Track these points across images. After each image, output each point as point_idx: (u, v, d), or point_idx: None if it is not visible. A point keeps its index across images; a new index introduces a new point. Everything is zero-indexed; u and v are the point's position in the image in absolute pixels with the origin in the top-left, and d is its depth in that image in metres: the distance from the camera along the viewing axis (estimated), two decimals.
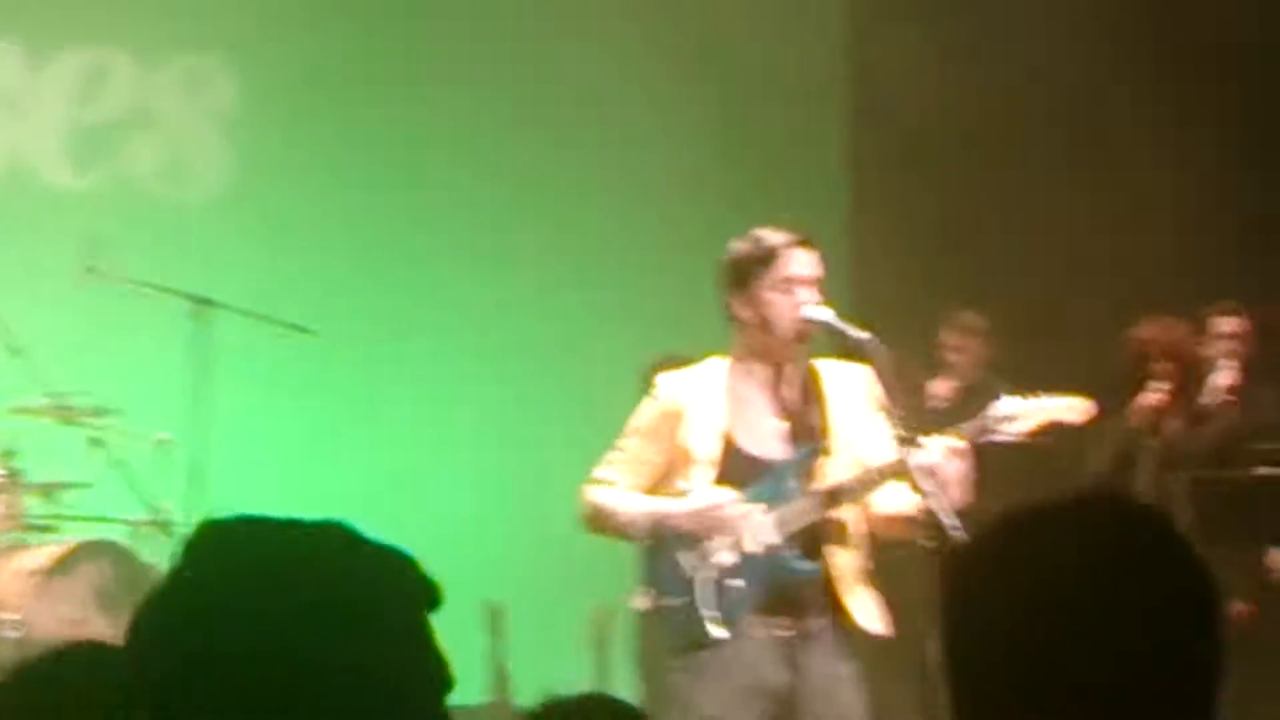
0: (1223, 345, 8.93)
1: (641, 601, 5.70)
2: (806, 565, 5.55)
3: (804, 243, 5.59)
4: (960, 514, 5.33)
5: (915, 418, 7.72)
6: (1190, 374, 8.07)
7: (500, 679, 8.67)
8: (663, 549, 5.57)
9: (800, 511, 5.54)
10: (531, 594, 9.20)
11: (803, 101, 10.88)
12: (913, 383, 9.00)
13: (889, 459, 5.49)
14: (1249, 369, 8.99)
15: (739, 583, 5.52)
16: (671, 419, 5.63)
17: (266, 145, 10.56)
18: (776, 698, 5.51)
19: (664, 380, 5.74)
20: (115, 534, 8.83)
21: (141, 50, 10.55)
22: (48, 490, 8.91)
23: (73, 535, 8.89)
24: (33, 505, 8.82)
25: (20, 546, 8.75)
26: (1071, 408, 5.75)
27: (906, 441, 5.44)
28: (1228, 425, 8.41)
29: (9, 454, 8.72)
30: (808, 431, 5.62)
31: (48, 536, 8.90)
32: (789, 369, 5.64)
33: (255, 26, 10.48)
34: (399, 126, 10.61)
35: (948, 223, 10.36)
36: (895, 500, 5.57)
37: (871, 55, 10.75)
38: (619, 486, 5.65)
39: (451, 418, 10.47)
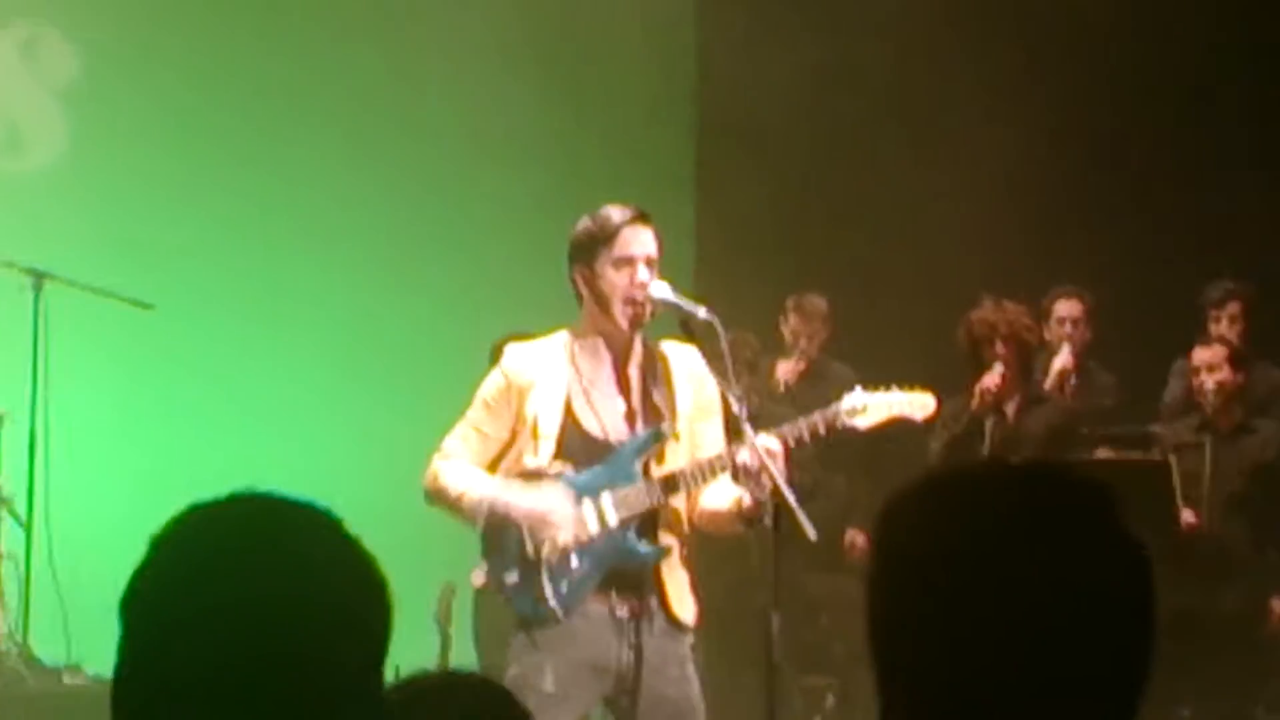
0: (1062, 329, 9.09)
1: (479, 577, 5.74)
2: (649, 549, 5.60)
3: (643, 219, 5.63)
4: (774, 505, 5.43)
5: (755, 397, 7.83)
6: (1028, 357, 8.18)
7: None
8: (504, 526, 5.59)
9: (641, 495, 5.59)
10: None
11: (649, 85, 10.94)
12: (752, 362, 9.10)
13: (721, 451, 5.56)
14: (1087, 352, 9.17)
15: (579, 563, 5.56)
16: (517, 391, 5.64)
17: (104, 116, 10.45)
18: (614, 675, 5.55)
19: (511, 351, 5.75)
20: None
21: None
22: None
23: None
24: None
25: None
26: (917, 404, 5.83)
27: (735, 435, 5.52)
28: (1064, 408, 8.56)
29: None
30: (653, 414, 5.66)
31: None
32: (634, 347, 5.68)
33: None
34: (240, 99, 10.54)
35: (789, 208, 10.47)
36: (716, 493, 5.64)
37: (715, 42, 10.85)
38: (464, 458, 5.65)
39: (292, 395, 10.43)
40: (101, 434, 9.96)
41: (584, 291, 5.63)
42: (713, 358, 5.65)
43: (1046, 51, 10.23)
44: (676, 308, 5.61)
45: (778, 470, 5.39)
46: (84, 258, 9.48)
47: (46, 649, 9.06)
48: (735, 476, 5.53)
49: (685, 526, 5.71)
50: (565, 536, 5.55)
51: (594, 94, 10.80)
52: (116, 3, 10.41)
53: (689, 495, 5.64)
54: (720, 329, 5.59)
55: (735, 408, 5.51)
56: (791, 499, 5.40)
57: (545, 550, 5.54)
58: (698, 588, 5.77)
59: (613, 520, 5.57)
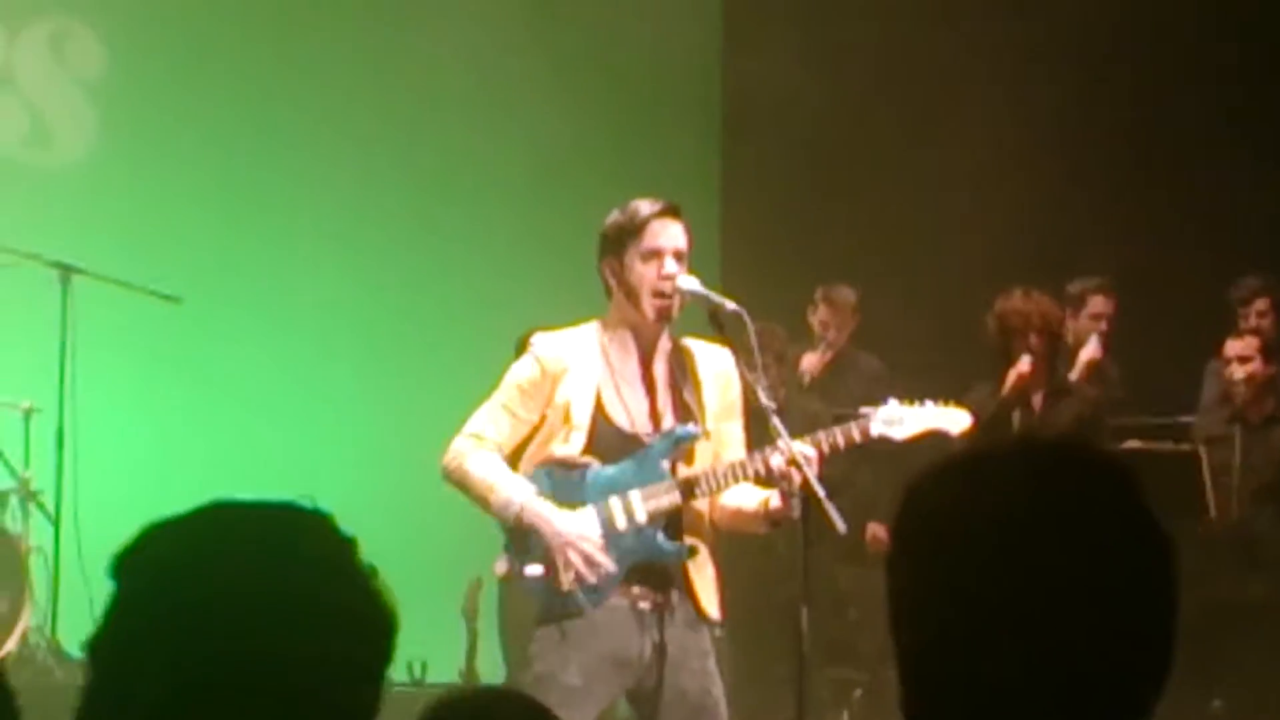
0: (1096, 324, 9.08)
1: (502, 566, 5.71)
2: (674, 547, 5.60)
3: (672, 213, 5.62)
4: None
5: (782, 389, 7.83)
6: (1056, 349, 8.20)
7: None
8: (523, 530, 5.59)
9: (669, 495, 5.58)
10: (405, 566, 9.18)
11: (675, 82, 10.93)
12: (781, 353, 9.09)
13: (753, 455, 5.56)
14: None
15: (605, 557, 5.55)
16: (552, 378, 5.62)
17: (132, 109, 10.48)
18: (636, 668, 5.55)
19: (543, 339, 5.72)
20: None
21: (4, 13, 10.43)
22: None
23: None
24: None
25: None
26: (952, 419, 5.82)
27: (763, 429, 5.52)
28: (1090, 399, 8.56)
29: None
30: (681, 411, 5.65)
31: None
32: (662, 342, 5.67)
33: None
34: (268, 92, 10.56)
35: (814, 202, 10.48)
36: (741, 493, 5.64)
37: (740, 38, 10.88)
38: (492, 440, 5.63)
39: (322, 388, 10.45)
40: (129, 428, 9.99)
41: (613, 284, 5.62)
42: (741, 350, 5.65)
43: (1071, 41, 10.23)
44: (705, 299, 5.60)
45: (811, 474, 5.40)
46: (111, 251, 9.50)
47: (74, 642, 9.08)
48: (768, 481, 5.52)
49: (710, 525, 5.70)
50: (585, 570, 5.52)
51: (619, 91, 10.80)
52: None
53: (712, 495, 5.64)
54: (748, 321, 5.59)
55: (764, 401, 5.50)
56: (822, 493, 5.40)
57: (563, 575, 5.52)
58: (724, 582, 5.77)
59: (641, 517, 5.57)
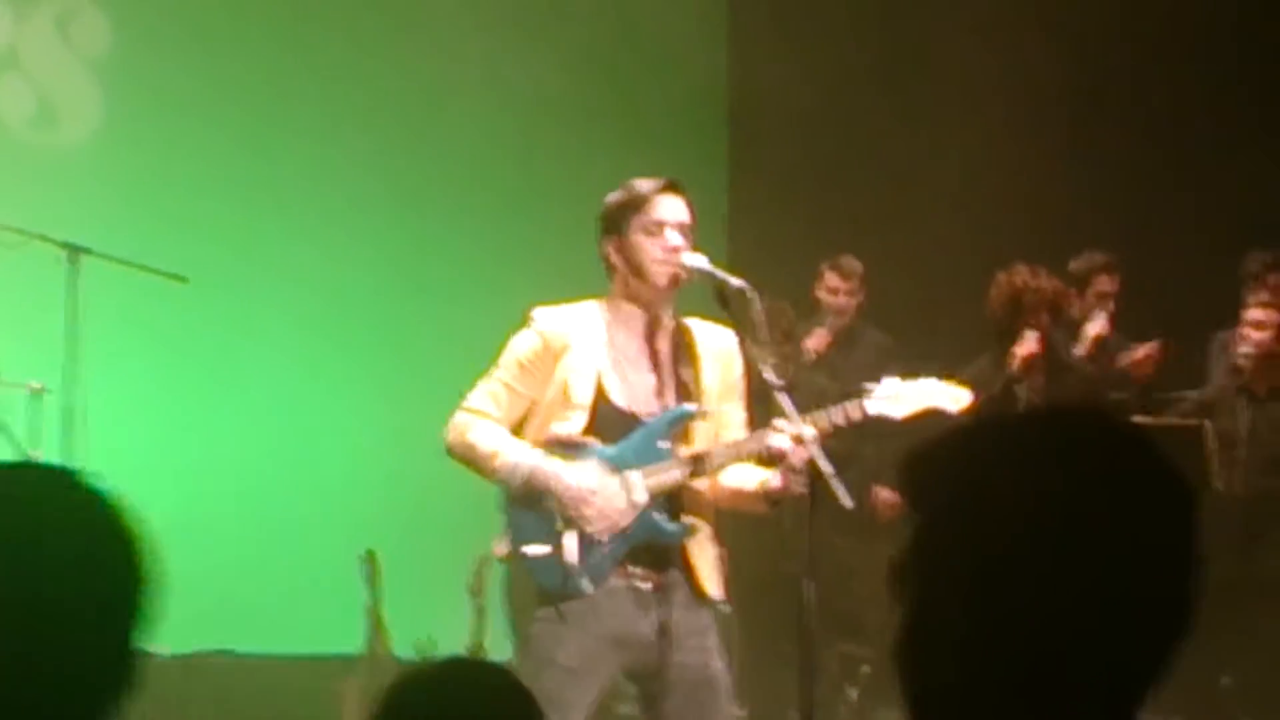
0: (1100, 300, 9.07)
1: (501, 547, 5.70)
2: (674, 526, 5.58)
3: (674, 187, 5.60)
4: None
5: (790, 366, 7.81)
6: (1059, 323, 8.21)
7: (377, 631, 8.67)
8: (536, 497, 5.57)
9: (669, 473, 5.56)
10: (409, 544, 9.21)
11: (684, 61, 10.91)
12: (789, 331, 9.08)
13: (755, 434, 5.54)
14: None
15: (606, 538, 5.53)
16: (553, 353, 5.60)
17: (139, 89, 10.46)
18: (636, 647, 5.53)
19: (544, 313, 5.69)
20: None
21: None
22: None
23: None
24: None
25: None
26: (951, 397, 5.78)
27: (768, 407, 5.50)
28: (1092, 373, 8.56)
29: None
30: (681, 390, 5.63)
31: None
32: (665, 321, 5.65)
33: None
34: (275, 73, 10.55)
35: (820, 187, 10.49)
36: (740, 472, 5.62)
37: (747, 24, 10.88)
38: (491, 416, 5.61)
39: (328, 367, 10.45)
40: (137, 408, 9.99)
41: (616, 262, 5.60)
42: (747, 327, 5.62)
43: (1070, 17, 10.22)
44: (710, 277, 5.58)
45: (816, 452, 5.38)
46: (119, 231, 9.49)
47: None
48: (770, 461, 5.50)
49: (711, 505, 5.68)
50: (603, 523, 5.51)
51: (627, 77, 10.78)
52: None
53: (712, 474, 5.62)
54: (753, 297, 5.57)
55: (770, 379, 5.48)
56: (827, 469, 5.39)
57: (583, 529, 5.51)
58: (731, 559, 5.76)
59: (641, 497, 5.55)
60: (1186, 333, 8.97)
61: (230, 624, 9.32)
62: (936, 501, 1.85)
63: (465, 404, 5.65)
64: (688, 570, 5.59)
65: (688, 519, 5.61)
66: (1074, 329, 8.93)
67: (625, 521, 5.51)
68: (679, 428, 5.61)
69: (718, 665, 5.62)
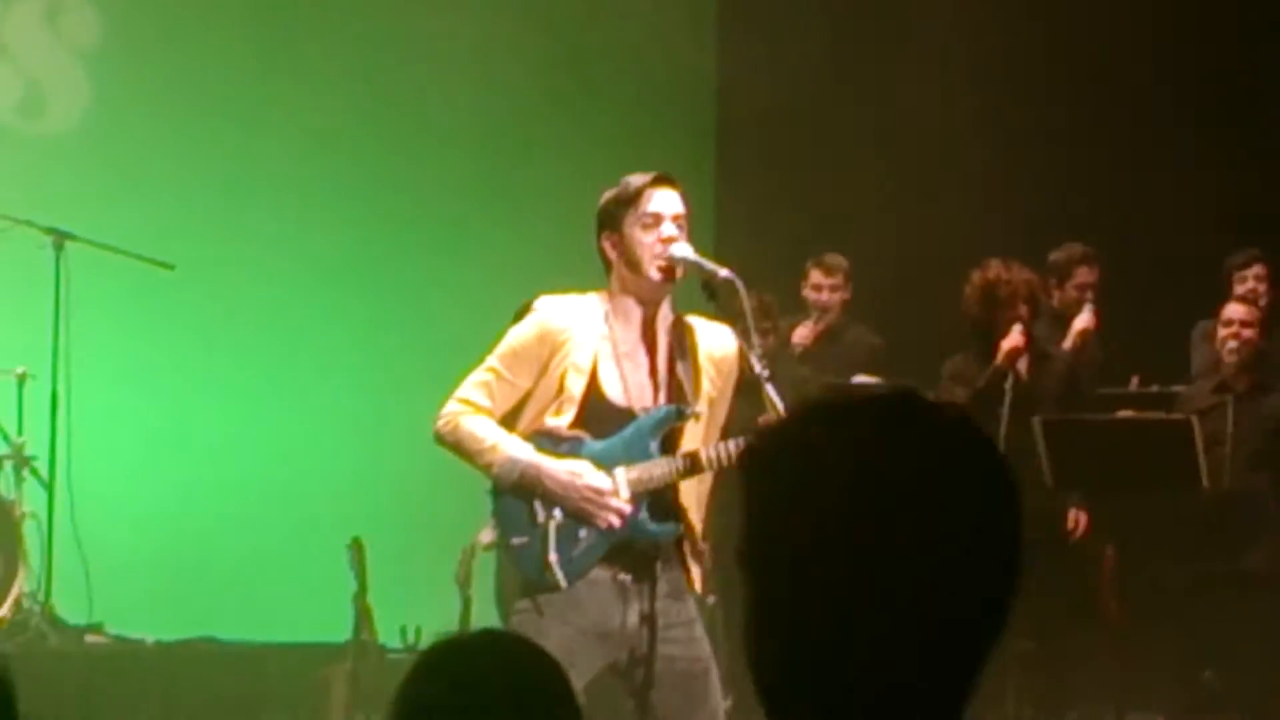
0: (1080, 292, 9.08)
1: (487, 536, 5.68)
2: (658, 527, 5.54)
3: (666, 181, 5.59)
4: None
5: (776, 359, 7.80)
6: (1036, 315, 8.26)
7: (364, 619, 8.67)
8: (522, 490, 5.54)
9: (658, 473, 5.53)
10: (395, 533, 9.20)
11: (670, 77, 10.91)
12: (773, 322, 9.07)
13: (738, 437, 5.52)
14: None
15: (586, 533, 5.51)
16: (550, 344, 5.56)
17: (127, 78, 10.47)
18: (620, 641, 5.50)
19: (547, 303, 5.65)
20: None
21: None
22: None
23: None
24: None
25: None
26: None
27: (764, 384, 5.47)
28: (1071, 363, 8.59)
29: None
30: (678, 388, 5.60)
31: None
32: (664, 314, 5.62)
33: None
34: (261, 58, 10.55)
35: (807, 182, 10.50)
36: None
37: (734, 34, 10.91)
38: (484, 405, 5.58)
39: (314, 355, 10.45)
40: (122, 394, 9.99)
41: (613, 256, 5.57)
42: (734, 317, 5.60)
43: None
44: (698, 267, 5.55)
45: None
46: (105, 218, 9.51)
47: (69, 608, 9.09)
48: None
49: (700, 504, 5.65)
50: (588, 519, 5.49)
51: (614, 88, 10.77)
52: None
53: (700, 475, 5.59)
54: (741, 287, 5.54)
55: (758, 369, 5.46)
56: None
57: (557, 519, 5.48)
58: (709, 553, 5.73)
59: (624, 494, 5.52)
60: (1166, 322, 8.99)
61: (216, 612, 9.33)
62: (765, 487, 1.86)
63: (457, 394, 5.61)
64: (672, 563, 5.56)
65: (672, 520, 5.56)
66: (1056, 321, 8.94)
67: (620, 507, 5.48)
68: (669, 426, 5.58)
69: (706, 655, 5.59)
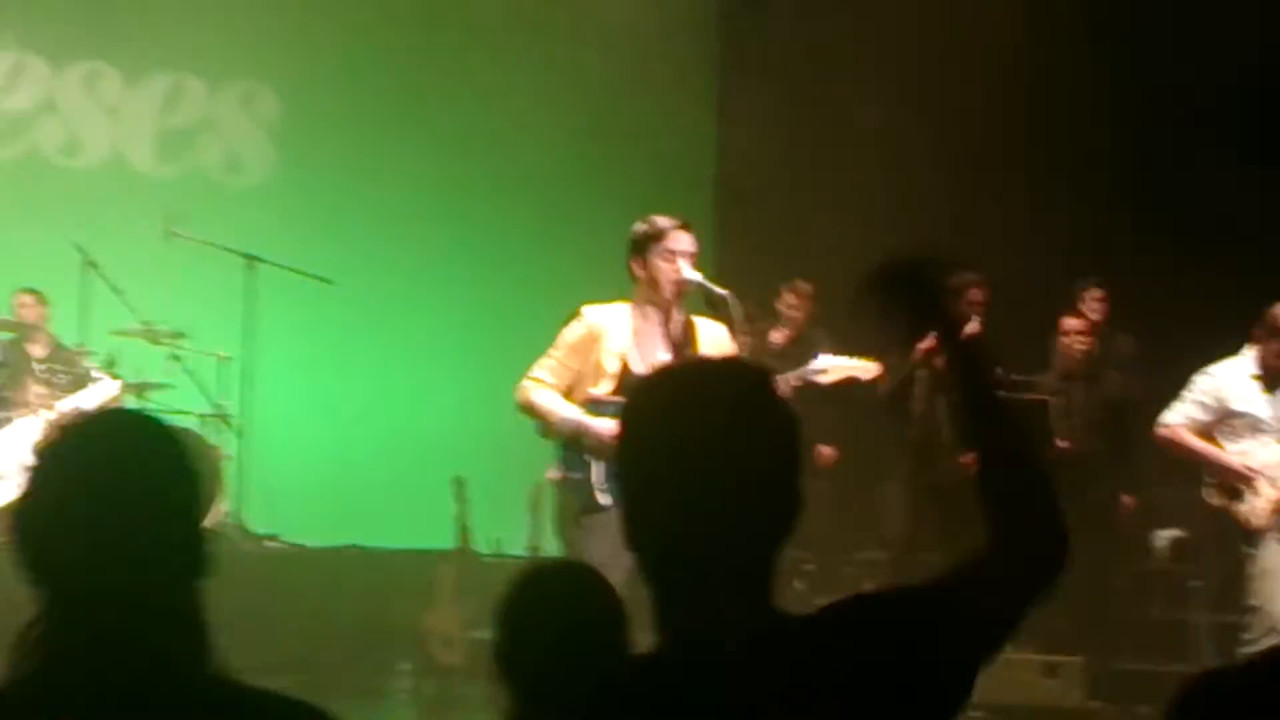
0: (970, 308, 9.04)
1: (553, 474, 5.73)
2: None
3: (685, 226, 5.64)
4: None
5: (755, 354, 7.82)
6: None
7: (464, 533, 8.70)
8: (578, 440, 5.61)
9: None
10: (485, 471, 9.23)
11: (682, 135, 10.79)
12: (759, 329, 9.08)
13: None
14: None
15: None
16: (592, 339, 5.62)
17: (301, 146, 10.53)
18: None
19: (591, 310, 5.73)
20: (188, 423, 8.84)
21: (209, 74, 10.49)
22: (139, 390, 8.90)
23: None
24: (127, 401, 8.80)
25: None
26: (863, 369, 5.83)
27: None
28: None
29: (111, 364, 8.71)
30: None
31: None
32: (674, 316, 5.67)
33: (293, 58, 10.44)
34: (396, 134, 10.57)
35: (786, 221, 10.42)
36: None
37: (732, 106, 10.70)
38: (548, 385, 5.65)
39: (431, 344, 10.49)
40: (294, 372, 10.04)
41: (640, 275, 5.62)
42: (728, 323, 5.66)
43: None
44: (701, 286, 5.61)
45: None
46: (284, 247, 9.54)
47: (255, 522, 9.15)
48: None
49: None
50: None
51: (635, 151, 10.49)
52: (311, 65, 10.46)
53: None
54: (733, 302, 5.61)
55: (748, 360, 5.51)
56: None
57: (607, 462, 5.53)
58: None
59: None
60: (1035, 326, 8.93)
61: (361, 525, 9.32)
62: (631, 424, 1.89)
63: (530, 373, 5.69)
64: None
65: None
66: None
67: None
68: None
69: None
